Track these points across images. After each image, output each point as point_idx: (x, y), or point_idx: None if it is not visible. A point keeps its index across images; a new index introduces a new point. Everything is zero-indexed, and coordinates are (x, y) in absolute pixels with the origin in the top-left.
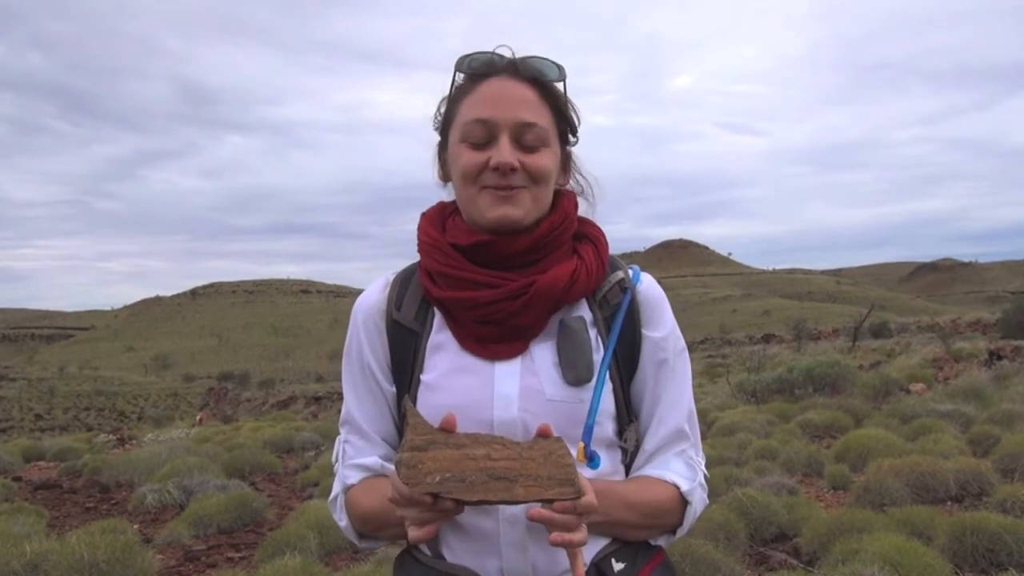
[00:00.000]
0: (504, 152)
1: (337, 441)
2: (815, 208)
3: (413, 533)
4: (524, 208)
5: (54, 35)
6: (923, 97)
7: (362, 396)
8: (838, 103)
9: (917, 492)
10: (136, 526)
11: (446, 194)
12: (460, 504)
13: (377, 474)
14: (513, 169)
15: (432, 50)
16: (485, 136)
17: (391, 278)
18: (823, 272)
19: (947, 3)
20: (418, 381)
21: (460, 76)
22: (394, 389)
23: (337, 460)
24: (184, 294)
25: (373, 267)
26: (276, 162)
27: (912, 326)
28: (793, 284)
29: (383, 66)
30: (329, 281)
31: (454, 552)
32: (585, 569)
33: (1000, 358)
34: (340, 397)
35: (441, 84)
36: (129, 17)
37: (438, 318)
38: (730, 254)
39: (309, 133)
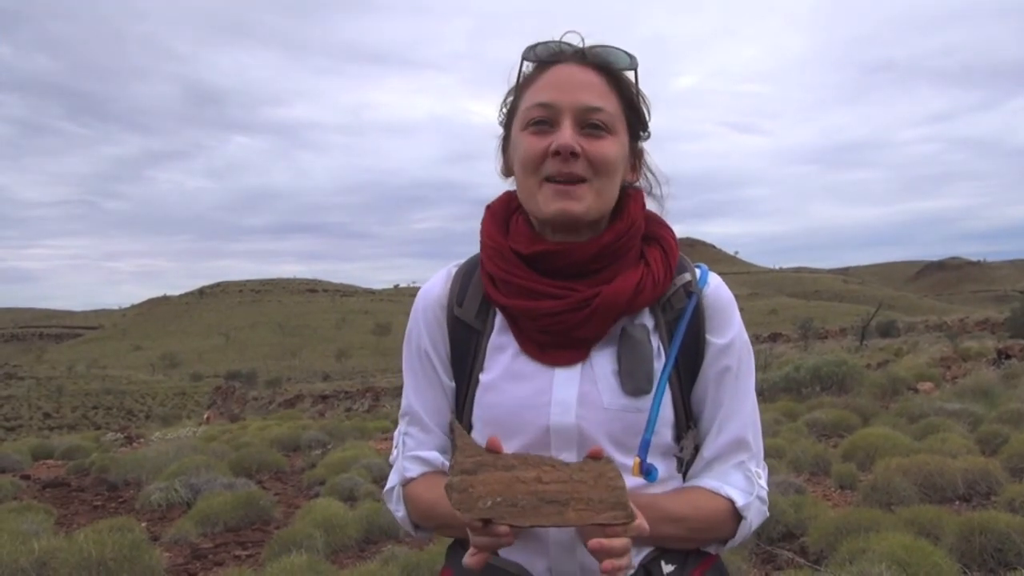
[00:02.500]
0: (565, 135)
1: (396, 432)
2: (822, 207)
3: (466, 559)
4: (586, 203)
5: (60, 37)
6: (929, 96)
7: (422, 388)
8: (843, 102)
9: (925, 491)
10: (143, 524)
11: (508, 185)
12: (513, 529)
13: (437, 470)
14: (574, 154)
15: (436, 51)
16: (547, 120)
17: (453, 271)
18: (830, 271)
19: (951, 2)
20: (477, 380)
21: (527, 66)
22: (454, 384)
23: (396, 451)
24: (191, 293)
25: (379, 267)
26: (281, 162)
27: (920, 325)
28: (800, 283)
29: (387, 67)
30: (335, 280)
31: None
32: (632, 571)
33: (1008, 357)
34: (346, 396)
35: (444, 84)
36: (135, 19)
37: (499, 319)
38: (737, 253)
39: (314, 133)
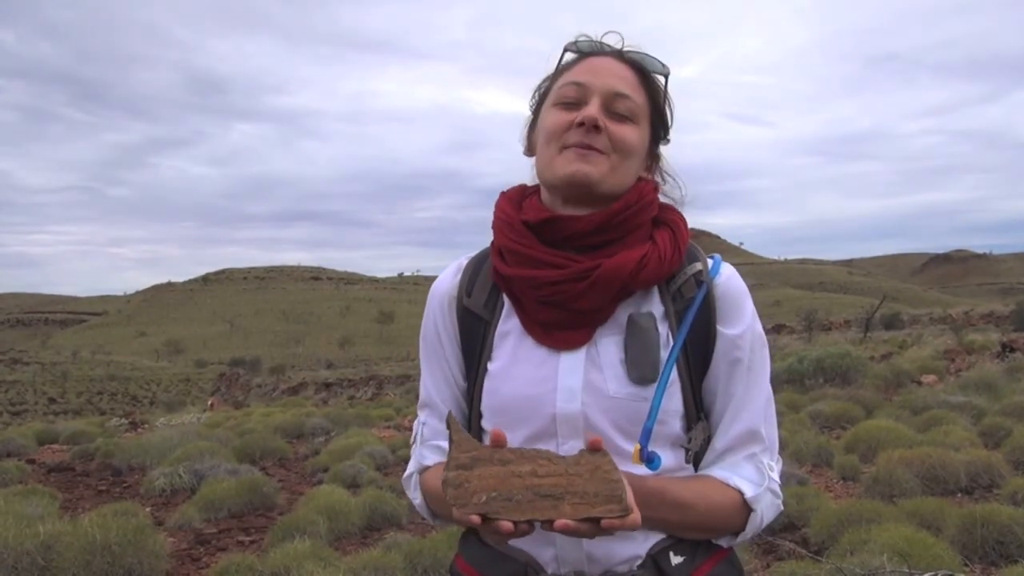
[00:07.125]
0: (591, 109)
1: (416, 422)
2: (826, 198)
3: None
4: (601, 170)
5: (63, 24)
6: (932, 88)
7: (437, 379)
8: (846, 94)
9: (927, 484)
10: (148, 509)
11: (526, 177)
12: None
13: None
14: (597, 127)
15: (436, 40)
16: (577, 99)
17: (464, 263)
18: (835, 262)
19: None
20: (485, 368)
21: (567, 57)
22: (465, 373)
23: (415, 440)
24: (195, 280)
25: (382, 255)
26: (284, 150)
27: (924, 317)
28: (805, 274)
29: (388, 56)
30: (339, 268)
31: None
32: (640, 562)
33: (1013, 350)
34: (350, 383)
35: (445, 73)
36: (137, 6)
37: (507, 306)
38: (741, 244)
39: (316, 122)
